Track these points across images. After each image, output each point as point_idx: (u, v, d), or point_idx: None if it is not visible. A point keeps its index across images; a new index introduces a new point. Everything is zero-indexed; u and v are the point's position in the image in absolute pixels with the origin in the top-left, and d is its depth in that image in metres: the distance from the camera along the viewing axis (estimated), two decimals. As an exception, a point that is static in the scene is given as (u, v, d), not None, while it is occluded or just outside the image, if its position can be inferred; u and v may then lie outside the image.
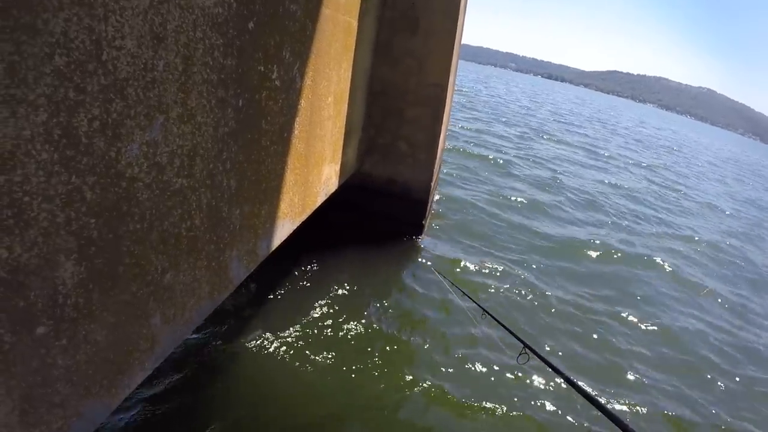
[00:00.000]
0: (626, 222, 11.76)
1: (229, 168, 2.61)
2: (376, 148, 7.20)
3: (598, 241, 9.47)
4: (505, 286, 6.63)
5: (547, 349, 5.50)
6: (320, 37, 3.91)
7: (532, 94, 70.53)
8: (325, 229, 6.75)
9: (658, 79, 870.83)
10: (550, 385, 4.92)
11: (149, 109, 1.84)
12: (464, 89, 40.97)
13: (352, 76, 5.49)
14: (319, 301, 5.45)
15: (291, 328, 4.95)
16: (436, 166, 7.44)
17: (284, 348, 4.70)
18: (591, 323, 6.22)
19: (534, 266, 7.52)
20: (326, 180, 5.06)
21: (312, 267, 6.07)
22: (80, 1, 1.46)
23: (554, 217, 10.63)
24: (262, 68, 2.81)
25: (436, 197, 9.47)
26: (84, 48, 1.51)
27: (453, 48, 6.67)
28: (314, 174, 4.50)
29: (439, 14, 6.62)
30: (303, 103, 3.72)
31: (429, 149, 7.05)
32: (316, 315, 5.23)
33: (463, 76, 62.02)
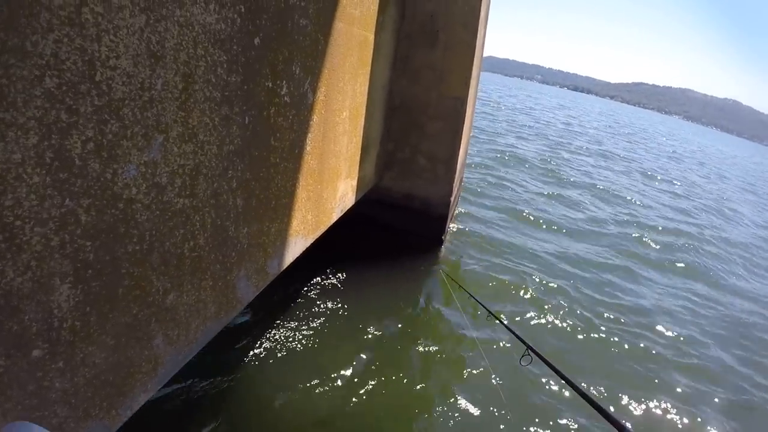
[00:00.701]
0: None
1: (236, 186, 2.61)
2: (396, 162, 7.20)
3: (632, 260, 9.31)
4: (520, 301, 6.57)
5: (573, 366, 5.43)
6: (333, 52, 3.92)
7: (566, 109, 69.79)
8: (343, 244, 6.83)
9: (684, 91, 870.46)
10: (553, 387, 4.96)
11: (147, 129, 1.85)
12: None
13: (369, 90, 5.50)
14: (332, 317, 5.46)
15: (304, 342, 4.96)
16: (456, 181, 7.39)
17: (296, 361, 4.72)
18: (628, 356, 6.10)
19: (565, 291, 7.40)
20: (342, 196, 5.06)
21: (328, 282, 6.08)
22: (71, 22, 1.48)
23: (584, 234, 10.49)
24: (270, 84, 2.81)
25: (459, 210, 9.46)
26: (76, 69, 1.52)
27: (473, 60, 6.65)
28: (328, 190, 4.50)
29: (459, 26, 6.62)
30: (315, 118, 3.73)
31: (448, 163, 7.02)
32: (329, 330, 5.24)
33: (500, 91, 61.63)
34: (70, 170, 1.56)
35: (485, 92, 56.46)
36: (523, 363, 3.05)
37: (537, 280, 7.30)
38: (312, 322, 5.30)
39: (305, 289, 5.87)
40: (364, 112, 5.42)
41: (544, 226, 10.18)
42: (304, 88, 3.37)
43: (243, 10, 2.37)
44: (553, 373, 2.70)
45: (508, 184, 13.25)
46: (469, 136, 9.21)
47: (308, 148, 3.69)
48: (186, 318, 2.38)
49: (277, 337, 5.00)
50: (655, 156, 32.56)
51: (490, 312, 4.23)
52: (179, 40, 1.95)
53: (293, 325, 5.21)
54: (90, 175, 1.64)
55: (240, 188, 2.67)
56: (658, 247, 10.78)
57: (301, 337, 5.05)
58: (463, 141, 7.37)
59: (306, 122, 3.55)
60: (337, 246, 6.64)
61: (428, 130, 6.98)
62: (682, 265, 9.91)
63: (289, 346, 4.90)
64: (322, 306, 5.59)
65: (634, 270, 8.83)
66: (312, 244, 4.26)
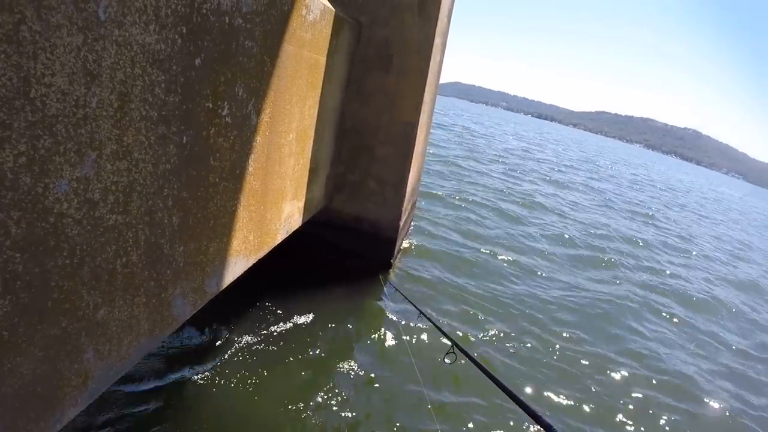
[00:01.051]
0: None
1: (171, 205, 2.68)
2: (346, 185, 7.32)
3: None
4: (472, 324, 6.79)
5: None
6: (281, 74, 4.03)
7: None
8: (292, 265, 6.96)
9: (645, 120, 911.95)
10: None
11: (80, 145, 1.92)
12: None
13: (319, 112, 5.62)
14: (277, 335, 5.57)
15: (249, 363, 5.03)
16: (405, 205, 7.54)
17: (239, 382, 4.79)
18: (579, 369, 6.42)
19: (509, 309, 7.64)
20: (287, 217, 5.14)
21: (275, 302, 6.15)
22: (9, 39, 1.55)
23: (523, 249, 10.78)
24: (211, 105, 2.90)
25: (413, 232, 9.71)
26: (11, 85, 1.59)
27: (425, 86, 6.85)
28: (273, 211, 4.58)
29: (413, 53, 6.82)
30: (259, 140, 3.82)
31: (398, 187, 7.17)
32: (274, 348, 5.32)
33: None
34: (1, 183, 1.62)
35: (448, 116, 57.67)
36: (447, 360, 3.23)
37: (482, 295, 7.57)
38: (257, 341, 5.38)
39: (252, 308, 5.94)
40: (312, 134, 5.54)
41: (496, 249, 10.45)
42: (247, 109, 3.47)
43: (185, 31, 2.46)
44: (481, 372, 2.83)
45: (465, 206, 13.64)
46: (422, 162, 9.39)
47: (251, 168, 3.77)
48: (118, 333, 2.43)
49: (221, 356, 5.04)
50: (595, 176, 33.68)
51: (421, 312, 4.44)
52: (116, 60, 2.03)
53: (239, 344, 5.27)
54: (21, 189, 1.70)
55: (176, 207, 2.74)
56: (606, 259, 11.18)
57: (245, 356, 5.10)
58: (413, 166, 7.54)
59: (249, 143, 3.64)
60: (285, 266, 6.78)
61: (378, 154, 7.13)
62: (619, 281, 10.32)
63: (232, 365, 4.94)
64: (267, 326, 5.69)
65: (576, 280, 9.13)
66: (255, 264, 4.33)
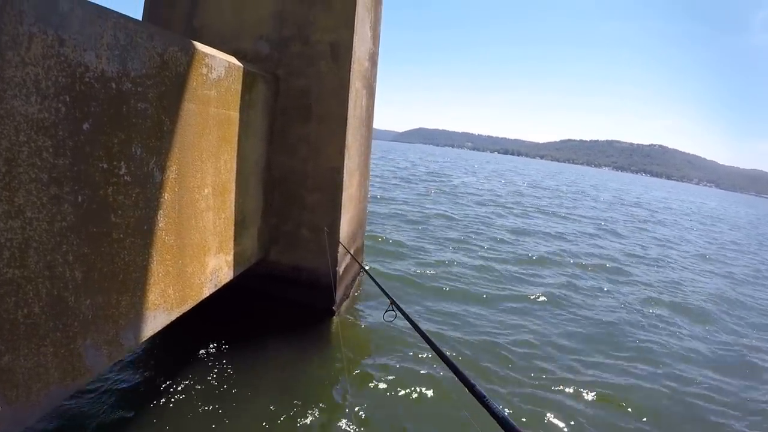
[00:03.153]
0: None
1: (72, 260, 3.07)
2: (281, 235, 7.72)
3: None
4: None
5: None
6: (184, 132, 4.48)
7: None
8: (231, 318, 7.41)
9: (611, 142, 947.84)
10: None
11: (-29, 207, 2.31)
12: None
13: (239, 166, 6.06)
14: (221, 381, 5.80)
15: (188, 417, 5.22)
16: (343, 251, 7.94)
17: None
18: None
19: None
20: (214, 271, 5.51)
21: (214, 358, 6.40)
22: None
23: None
24: (106, 165, 3.32)
25: (363, 275, 10.09)
26: None
27: (346, 131, 7.34)
28: (194, 265, 4.95)
29: (331, 99, 7.36)
30: (167, 196, 4.23)
31: (330, 234, 7.58)
32: (215, 403, 5.54)
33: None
34: None
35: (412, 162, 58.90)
36: (386, 318, 3.78)
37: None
38: (198, 396, 5.58)
39: (191, 364, 6.19)
40: (233, 187, 5.96)
41: (450, 288, 10.87)
42: (148, 167, 3.89)
43: (68, 99, 2.90)
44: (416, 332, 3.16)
45: (420, 245, 14.11)
46: (362, 208, 9.83)
47: (161, 224, 4.17)
48: (25, 381, 2.76)
49: (159, 412, 5.26)
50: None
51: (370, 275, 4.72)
52: (0, 130, 2.43)
53: (178, 398, 5.48)
54: None
55: (78, 261, 3.12)
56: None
57: (185, 411, 5.31)
58: (347, 211, 7.98)
59: (155, 200, 4.05)
60: (224, 320, 7.23)
61: (308, 202, 7.58)
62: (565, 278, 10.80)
63: (171, 421, 5.16)
64: (208, 382, 5.89)
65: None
66: (181, 316, 4.70)
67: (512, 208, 29.50)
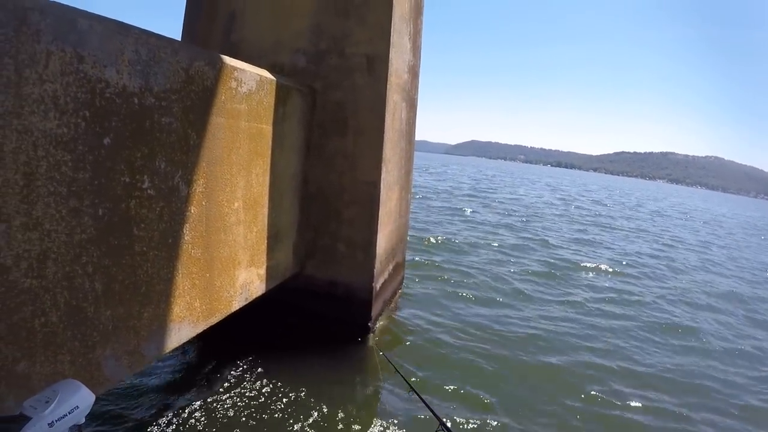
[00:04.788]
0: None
1: (92, 271, 3.23)
2: (317, 250, 7.85)
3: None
4: (448, 376, 7.09)
5: None
6: (212, 146, 4.64)
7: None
8: (265, 333, 7.62)
9: (665, 155, 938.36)
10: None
11: (-11, 218, 2.49)
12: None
13: (272, 180, 6.22)
14: (255, 405, 5.90)
15: (217, 425, 5.37)
16: (379, 267, 8.02)
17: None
18: None
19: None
20: (245, 284, 5.66)
21: (249, 371, 6.56)
22: None
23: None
24: (128, 179, 3.50)
25: (404, 293, 10.17)
26: None
27: (382, 144, 7.44)
28: (223, 278, 5.11)
29: (367, 112, 7.48)
30: (193, 210, 4.39)
31: (367, 249, 7.68)
32: (248, 419, 5.67)
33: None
34: None
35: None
36: None
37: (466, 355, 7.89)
38: (233, 411, 5.73)
39: (227, 377, 6.36)
40: (266, 201, 6.12)
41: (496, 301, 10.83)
42: (174, 181, 4.06)
43: (88, 115, 3.08)
44: None
45: (466, 268, 14.05)
46: (401, 223, 9.90)
47: (187, 237, 4.33)
48: (42, 388, 2.91)
49: (188, 423, 5.42)
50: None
51: (412, 387, 4.53)
52: (18, 144, 2.62)
53: (213, 414, 5.64)
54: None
55: (98, 273, 3.29)
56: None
57: (215, 424, 5.46)
58: (385, 226, 8.06)
59: (181, 213, 4.21)
60: (257, 334, 7.47)
61: (345, 217, 7.69)
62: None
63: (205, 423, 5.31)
64: (243, 396, 6.03)
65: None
66: (215, 327, 4.87)
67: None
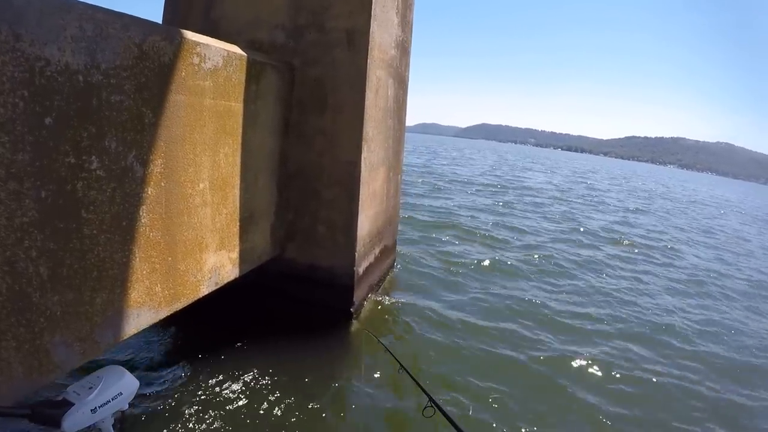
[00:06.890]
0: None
1: (36, 256, 3.28)
2: (297, 232, 7.90)
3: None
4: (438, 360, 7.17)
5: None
6: (170, 124, 4.65)
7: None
8: (245, 317, 7.77)
9: (676, 140, 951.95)
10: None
11: None
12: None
13: (245, 159, 6.23)
14: (230, 387, 6.01)
15: (200, 418, 5.45)
16: (362, 250, 8.05)
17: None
18: None
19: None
20: (214, 268, 5.70)
21: (227, 355, 6.65)
22: None
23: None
24: (73, 160, 3.52)
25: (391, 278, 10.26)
26: None
27: (363, 122, 7.44)
28: (188, 262, 5.15)
29: (347, 89, 7.48)
30: (151, 191, 4.41)
31: (347, 231, 7.71)
32: (230, 404, 5.76)
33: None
34: None
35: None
36: (425, 414, 3.44)
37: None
38: (212, 398, 5.81)
39: (206, 362, 6.45)
40: (238, 182, 6.14)
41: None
42: (127, 161, 4.08)
43: (26, 94, 3.09)
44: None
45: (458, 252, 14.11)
46: (388, 206, 9.89)
47: (144, 220, 4.36)
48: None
49: (167, 411, 5.49)
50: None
51: (401, 364, 4.64)
52: (-49, 127, 2.65)
53: (192, 401, 5.71)
54: None
55: (42, 257, 3.33)
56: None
57: (193, 411, 5.53)
58: (367, 208, 8.10)
59: (136, 195, 4.23)
60: (239, 320, 7.64)
61: (325, 197, 7.72)
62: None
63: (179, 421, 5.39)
64: (222, 381, 6.10)
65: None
66: (185, 314, 5.02)
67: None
